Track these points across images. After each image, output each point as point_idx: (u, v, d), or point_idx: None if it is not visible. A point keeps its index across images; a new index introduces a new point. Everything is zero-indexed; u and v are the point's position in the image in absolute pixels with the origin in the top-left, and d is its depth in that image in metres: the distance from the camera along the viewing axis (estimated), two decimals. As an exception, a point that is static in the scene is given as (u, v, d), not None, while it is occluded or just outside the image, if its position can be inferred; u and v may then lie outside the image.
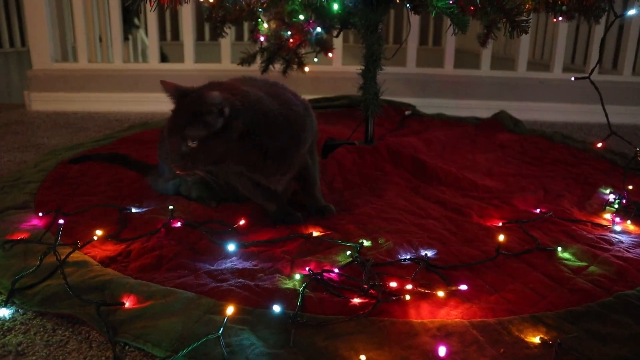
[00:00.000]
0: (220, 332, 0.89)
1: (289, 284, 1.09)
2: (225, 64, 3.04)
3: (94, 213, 1.46)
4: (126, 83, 3.01)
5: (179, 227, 1.36)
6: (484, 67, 3.09)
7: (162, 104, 2.99)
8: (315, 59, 2.29)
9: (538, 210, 1.55)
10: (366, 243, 1.29)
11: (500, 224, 1.45)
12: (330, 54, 2.26)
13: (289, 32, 2.01)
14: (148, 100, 2.99)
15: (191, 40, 3.05)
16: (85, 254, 1.22)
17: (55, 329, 0.98)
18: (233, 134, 1.21)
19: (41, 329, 0.98)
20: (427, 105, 2.95)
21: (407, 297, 1.03)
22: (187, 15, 3.03)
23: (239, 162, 1.28)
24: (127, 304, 1.02)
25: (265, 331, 0.94)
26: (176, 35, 6.02)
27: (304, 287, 1.05)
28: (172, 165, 1.22)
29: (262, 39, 2.16)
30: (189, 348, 0.86)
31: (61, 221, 1.34)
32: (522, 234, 1.38)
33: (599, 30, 3.02)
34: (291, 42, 2.01)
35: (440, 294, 1.05)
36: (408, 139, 2.17)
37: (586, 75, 1.53)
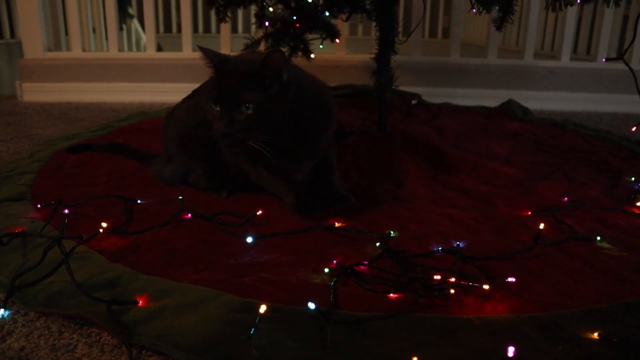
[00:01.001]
0: (251, 332, 0.79)
1: (316, 279, 1.00)
2: (225, 52, 2.92)
3: (96, 204, 1.35)
4: (122, 72, 2.88)
5: (190, 219, 1.26)
6: (490, 56, 3.01)
7: (160, 94, 2.92)
8: (321, 46, 2.19)
9: (566, 199, 1.47)
10: (393, 234, 1.20)
11: (530, 213, 1.38)
12: (337, 40, 2.16)
13: (295, 17, 1.91)
14: (145, 90, 2.85)
15: (189, 27, 2.92)
16: (91, 247, 1.12)
17: (61, 332, 0.88)
18: (288, 102, 1.11)
19: (46, 332, 0.88)
20: (433, 94, 2.86)
21: (452, 290, 0.94)
22: (185, 1, 2.92)
23: (279, 142, 1.17)
24: (141, 303, 0.92)
25: (299, 331, 0.84)
26: (169, 27, 5.90)
27: (335, 282, 0.96)
28: (219, 138, 1.09)
29: (267, 23, 2.05)
30: (217, 351, 0.77)
31: (66, 211, 1.24)
32: (554, 222, 1.31)
33: (607, 15, 2.94)
34: (297, 27, 1.91)
35: (486, 287, 0.96)
36: (420, 127, 2.09)
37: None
